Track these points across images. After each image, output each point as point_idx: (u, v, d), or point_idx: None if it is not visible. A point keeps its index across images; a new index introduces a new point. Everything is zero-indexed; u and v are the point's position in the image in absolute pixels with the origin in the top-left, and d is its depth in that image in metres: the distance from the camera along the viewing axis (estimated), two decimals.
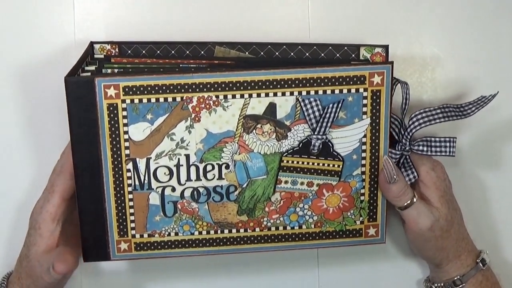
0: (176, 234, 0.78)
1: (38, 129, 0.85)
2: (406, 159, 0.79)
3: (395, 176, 0.76)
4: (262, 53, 0.81)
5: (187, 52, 0.81)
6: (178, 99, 0.73)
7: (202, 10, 0.83)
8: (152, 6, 0.83)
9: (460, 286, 0.82)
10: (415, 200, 0.77)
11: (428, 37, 0.86)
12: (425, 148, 0.78)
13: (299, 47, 0.80)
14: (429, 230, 0.78)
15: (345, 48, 0.80)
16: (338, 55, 0.80)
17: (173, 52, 0.81)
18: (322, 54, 0.80)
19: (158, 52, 0.81)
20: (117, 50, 0.81)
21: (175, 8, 0.83)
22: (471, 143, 0.88)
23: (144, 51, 0.81)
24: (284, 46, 0.80)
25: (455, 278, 0.82)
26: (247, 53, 0.81)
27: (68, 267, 0.76)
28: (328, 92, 0.74)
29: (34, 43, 0.83)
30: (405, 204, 0.77)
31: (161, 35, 0.82)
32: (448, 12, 0.86)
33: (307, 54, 0.80)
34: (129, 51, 0.81)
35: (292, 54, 0.81)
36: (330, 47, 0.80)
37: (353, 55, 0.80)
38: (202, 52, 0.81)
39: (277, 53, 0.81)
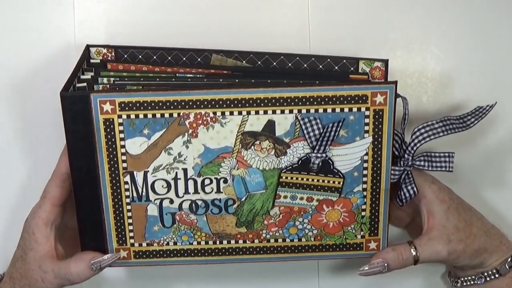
0: (175, 243, 0.78)
1: (34, 131, 0.84)
2: (408, 174, 0.77)
3: (381, 269, 0.77)
4: (259, 62, 0.79)
5: (184, 58, 0.79)
6: (175, 115, 0.72)
7: (200, 17, 0.81)
8: (151, 11, 0.81)
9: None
10: (413, 252, 0.77)
11: (428, 38, 0.83)
12: (426, 164, 0.77)
13: (297, 58, 0.78)
14: (451, 254, 0.78)
15: (344, 61, 0.78)
16: (336, 67, 0.78)
17: (169, 58, 0.79)
18: (320, 66, 0.78)
19: (155, 57, 0.79)
20: (113, 54, 0.80)
21: (174, 14, 0.81)
22: (473, 158, 0.86)
23: (140, 56, 0.79)
24: (282, 57, 0.78)
25: (509, 259, 0.80)
26: (244, 62, 0.79)
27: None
28: (329, 110, 0.72)
29: (33, 45, 0.82)
30: (414, 260, 0.77)
31: (159, 40, 0.80)
32: (448, 15, 0.83)
33: (305, 65, 0.78)
34: (125, 56, 0.79)
35: (289, 64, 0.78)
36: (328, 59, 0.78)
37: (352, 68, 0.78)
38: (199, 59, 0.79)
39: (274, 63, 0.78)
